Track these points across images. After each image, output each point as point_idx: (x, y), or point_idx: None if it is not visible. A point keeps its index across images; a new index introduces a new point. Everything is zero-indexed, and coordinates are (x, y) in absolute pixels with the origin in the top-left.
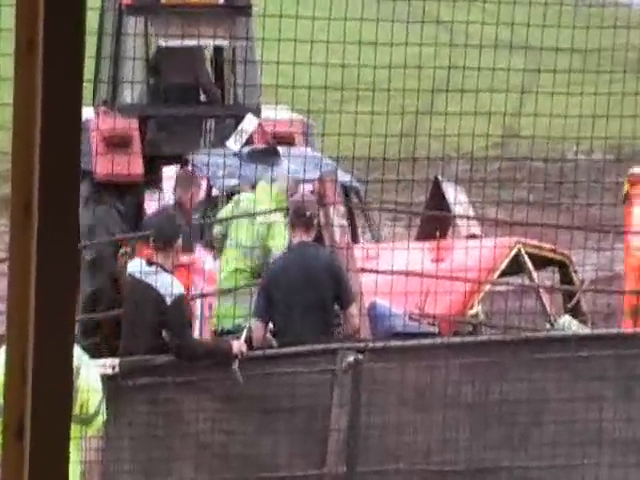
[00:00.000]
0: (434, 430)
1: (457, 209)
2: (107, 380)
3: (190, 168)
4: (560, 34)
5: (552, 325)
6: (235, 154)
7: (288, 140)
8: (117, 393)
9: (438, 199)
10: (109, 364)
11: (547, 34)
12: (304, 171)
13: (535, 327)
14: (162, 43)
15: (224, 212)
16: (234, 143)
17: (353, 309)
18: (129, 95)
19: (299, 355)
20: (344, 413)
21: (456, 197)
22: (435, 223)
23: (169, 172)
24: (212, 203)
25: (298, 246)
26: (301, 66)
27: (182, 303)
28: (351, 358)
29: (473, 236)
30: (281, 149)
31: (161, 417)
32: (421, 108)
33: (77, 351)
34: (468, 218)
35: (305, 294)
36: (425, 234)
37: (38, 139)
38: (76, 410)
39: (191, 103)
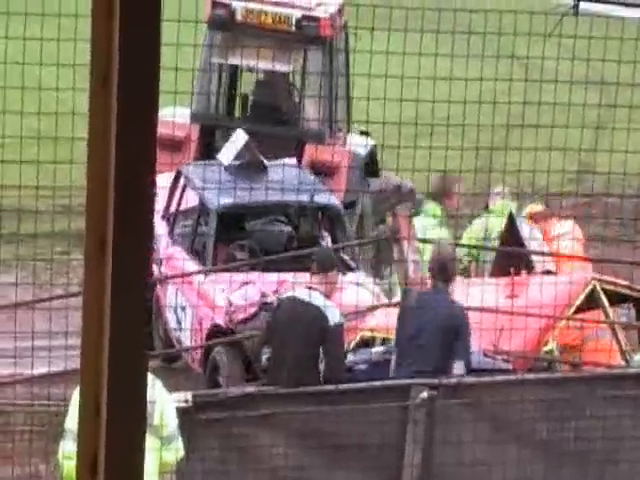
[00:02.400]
0: (508, 467)
1: (532, 245)
2: (181, 414)
3: (182, 180)
4: (636, 69)
5: (627, 362)
6: (225, 168)
7: (328, 169)
8: (190, 427)
9: (513, 235)
10: (182, 398)
11: (623, 69)
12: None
13: (610, 364)
14: (218, 59)
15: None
16: (224, 157)
17: (460, 366)
18: (200, 105)
19: (373, 391)
20: (418, 449)
21: (531, 233)
22: (510, 259)
23: (161, 181)
24: (205, 213)
25: (431, 291)
26: (375, 101)
27: (343, 332)
28: (425, 394)
29: (548, 272)
30: (268, 163)
31: (234, 452)
32: (496, 143)
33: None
34: (543, 254)
35: (421, 338)
36: (500, 270)
37: (113, 174)
38: (156, 420)
39: (265, 121)
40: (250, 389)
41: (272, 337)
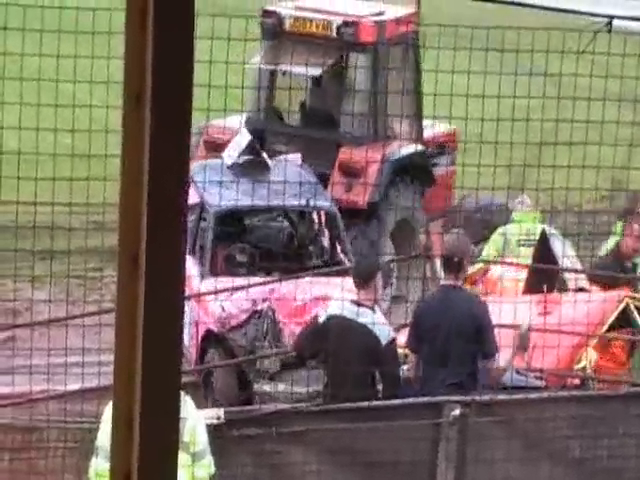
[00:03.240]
0: None
1: (565, 262)
2: (212, 430)
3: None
4: None
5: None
6: (228, 167)
7: (356, 170)
8: (223, 444)
9: (545, 252)
10: (214, 415)
11: None
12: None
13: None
14: (267, 66)
15: (492, 247)
16: (228, 156)
17: (492, 362)
18: (253, 110)
19: (405, 408)
20: (450, 467)
21: (564, 250)
22: (542, 276)
23: None
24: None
25: (446, 289)
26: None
27: (396, 347)
28: (457, 411)
29: (581, 290)
30: (271, 162)
31: (266, 469)
32: (528, 160)
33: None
34: (576, 272)
35: (445, 340)
36: (532, 287)
37: (145, 191)
38: (186, 436)
39: (314, 125)
40: (283, 405)
41: (318, 353)
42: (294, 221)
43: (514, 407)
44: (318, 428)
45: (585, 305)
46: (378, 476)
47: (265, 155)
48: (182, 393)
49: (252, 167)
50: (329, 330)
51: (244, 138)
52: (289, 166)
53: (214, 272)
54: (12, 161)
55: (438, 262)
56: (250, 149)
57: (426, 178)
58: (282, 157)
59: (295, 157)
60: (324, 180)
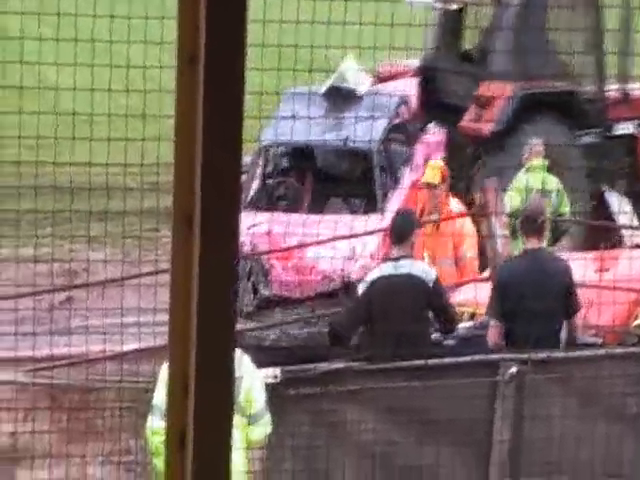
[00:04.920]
0: (598, 442)
1: (621, 219)
2: (270, 389)
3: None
4: None
5: None
6: (320, 95)
7: (485, 102)
8: (279, 403)
9: (602, 209)
10: (271, 374)
11: None
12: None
13: None
14: (441, 5)
15: (515, 202)
16: (324, 84)
17: (577, 320)
18: (428, 49)
19: (461, 366)
20: (507, 425)
21: (620, 207)
22: (599, 233)
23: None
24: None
25: (532, 252)
26: None
27: (441, 283)
28: (514, 369)
29: (638, 246)
30: (364, 91)
31: (323, 427)
32: None
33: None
34: (633, 228)
35: (537, 303)
36: (589, 244)
37: (200, 151)
38: (242, 396)
39: (478, 64)
40: (339, 365)
41: (368, 315)
42: (337, 159)
43: (570, 364)
44: (375, 386)
45: None
46: (434, 434)
47: (362, 84)
48: (239, 352)
49: (342, 96)
50: (373, 296)
51: (346, 68)
52: (376, 99)
53: (253, 205)
54: (67, 122)
55: (493, 219)
56: (342, 79)
57: (578, 118)
58: (377, 87)
59: (406, 85)
60: None
